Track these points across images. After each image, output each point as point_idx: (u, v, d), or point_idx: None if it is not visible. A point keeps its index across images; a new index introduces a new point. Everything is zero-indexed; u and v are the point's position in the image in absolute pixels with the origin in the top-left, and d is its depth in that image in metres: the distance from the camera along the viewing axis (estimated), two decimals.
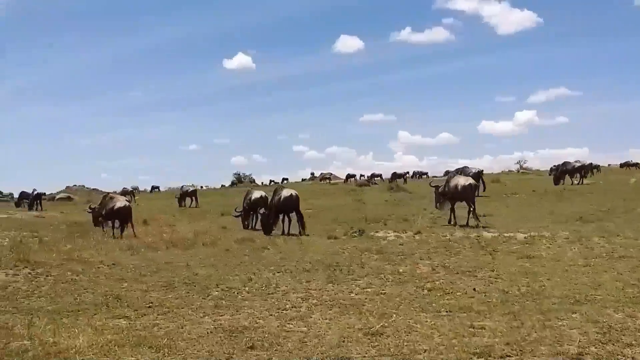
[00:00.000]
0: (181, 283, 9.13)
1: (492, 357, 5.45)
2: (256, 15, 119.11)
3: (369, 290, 8.44)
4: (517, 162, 58.61)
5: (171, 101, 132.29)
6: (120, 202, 16.79)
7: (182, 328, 6.59)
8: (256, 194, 18.22)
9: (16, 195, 37.18)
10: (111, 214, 16.50)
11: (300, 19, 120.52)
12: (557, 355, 5.45)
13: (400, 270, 9.74)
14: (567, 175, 29.10)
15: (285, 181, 64.11)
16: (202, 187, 56.77)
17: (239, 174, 73.62)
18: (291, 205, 15.99)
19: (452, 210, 16.12)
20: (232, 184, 69.48)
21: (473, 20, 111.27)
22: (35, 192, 31.98)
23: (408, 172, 54.99)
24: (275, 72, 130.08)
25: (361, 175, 56.41)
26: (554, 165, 36.69)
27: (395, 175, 48.37)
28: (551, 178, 31.33)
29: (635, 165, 49.32)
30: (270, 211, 16.20)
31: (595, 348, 5.62)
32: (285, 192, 16.30)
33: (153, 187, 64.48)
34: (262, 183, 66.20)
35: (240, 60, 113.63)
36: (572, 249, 11.19)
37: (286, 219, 15.99)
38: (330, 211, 21.69)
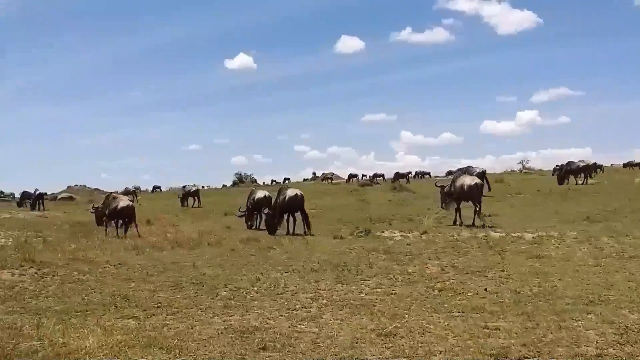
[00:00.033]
0: (189, 283, 9.05)
1: (509, 358, 5.37)
2: (257, 15, 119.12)
3: (378, 290, 8.36)
4: (520, 162, 58.17)
5: (171, 101, 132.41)
6: (124, 201, 16.71)
7: (192, 328, 6.51)
8: (260, 194, 18.11)
9: (17, 195, 37.14)
10: (114, 214, 16.41)
11: (301, 19, 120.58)
12: (576, 357, 5.37)
13: (410, 271, 9.66)
14: (571, 175, 28.98)
15: (287, 181, 63.94)
16: (203, 187, 56.67)
17: (240, 174, 73.42)
18: (296, 205, 15.90)
19: (458, 210, 16.02)
20: (234, 183, 69.33)
21: (473, 21, 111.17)
22: (38, 192, 31.88)
23: (411, 172, 54.79)
24: (276, 72, 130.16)
25: (363, 175, 56.34)
26: (557, 165, 36.48)
27: (398, 175, 48.23)
28: (555, 178, 31.20)
29: (639, 165, 49.13)
30: (274, 211, 16.10)
31: (614, 349, 5.55)
32: (290, 192, 16.20)
33: (154, 187, 64.38)
34: (264, 183, 66.12)
35: (242, 60, 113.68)
36: (581, 248, 11.10)
37: (291, 218, 15.89)
38: (334, 211, 21.59)
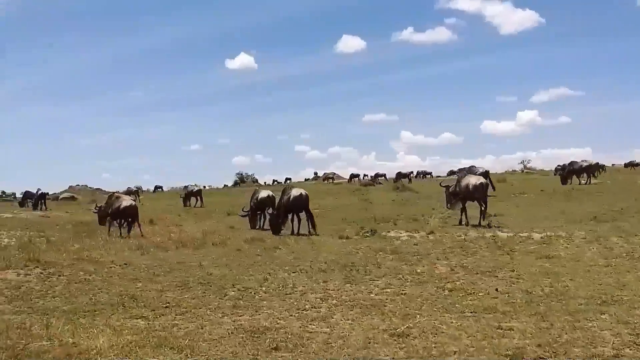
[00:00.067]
0: (196, 283, 8.98)
1: (525, 359, 5.30)
2: (257, 15, 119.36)
3: (388, 290, 8.29)
4: (521, 162, 58.19)
5: (172, 101, 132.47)
6: (127, 201, 16.64)
7: (202, 328, 6.45)
8: (263, 194, 18.04)
9: (19, 195, 37.05)
10: (118, 214, 16.35)
11: (301, 19, 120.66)
12: (593, 357, 5.31)
13: (418, 271, 9.59)
14: (574, 175, 28.90)
15: (288, 181, 63.89)
16: (204, 186, 56.62)
17: (241, 174, 73.29)
18: (301, 204, 15.82)
19: (464, 210, 15.94)
20: (235, 183, 69.23)
21: (475, 20, 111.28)
22: (40, 192, 31.83)
23: (412, 172, 54.69)
24: (277, 72, 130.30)
25: (365, 175, 56.25)
26: (559, 165, 36.42)
27: (400, 175, 48.13)
28: (557, 178, 31.13)
29: None
30: (279, 211, 16.02)
31: (630, 350, 5.49)
32: (295, 192, 16.12)
33: (156, 187, 64.36)
34: (265, 183, 66.05)
35: (242, 60, 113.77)
36: (590, 248, 11.03)
37: (295, 218, 15.81)
38: (337, 211, 21.52)
